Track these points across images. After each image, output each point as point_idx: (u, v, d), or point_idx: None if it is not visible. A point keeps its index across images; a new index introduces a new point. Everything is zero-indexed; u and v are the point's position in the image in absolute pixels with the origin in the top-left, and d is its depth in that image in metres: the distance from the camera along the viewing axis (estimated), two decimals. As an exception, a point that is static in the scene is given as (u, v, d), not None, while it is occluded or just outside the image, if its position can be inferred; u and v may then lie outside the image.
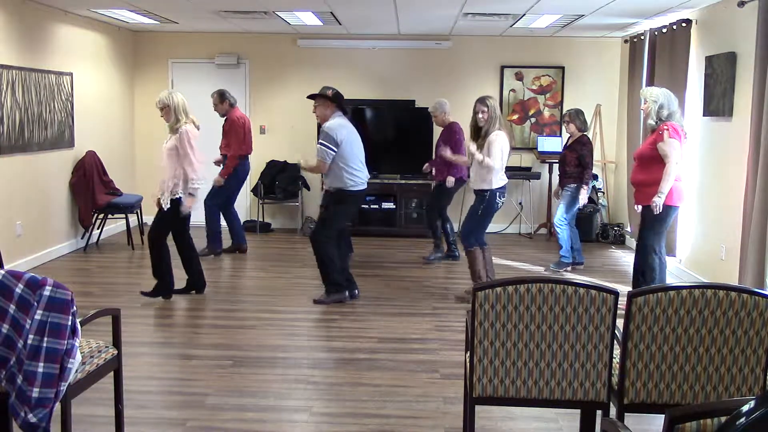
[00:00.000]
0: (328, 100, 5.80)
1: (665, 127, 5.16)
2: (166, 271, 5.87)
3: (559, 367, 2.87)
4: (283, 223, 9.73)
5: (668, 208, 5.24)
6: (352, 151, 5.79)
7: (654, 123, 5.25)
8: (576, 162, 7.06)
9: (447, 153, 6.65)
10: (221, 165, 7.68)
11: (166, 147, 5.67)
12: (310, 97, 5.96)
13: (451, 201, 7.71)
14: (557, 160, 9.19)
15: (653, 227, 5.32)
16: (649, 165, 5.24)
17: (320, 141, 5.74)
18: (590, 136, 8.91)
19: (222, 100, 7.62)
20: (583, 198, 7.06)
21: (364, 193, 6.01)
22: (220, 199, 7.65)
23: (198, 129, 5.73)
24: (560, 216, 7.21)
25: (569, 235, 7.20)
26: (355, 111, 9.15)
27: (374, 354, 4.79)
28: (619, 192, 8.89)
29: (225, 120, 7.65)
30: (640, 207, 5.44)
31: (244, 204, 9.63)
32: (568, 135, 7.37)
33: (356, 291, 6.10)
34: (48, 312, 2.88)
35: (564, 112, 7.49)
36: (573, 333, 2.83)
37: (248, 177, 9.47)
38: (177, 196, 5.62)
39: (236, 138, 7.57)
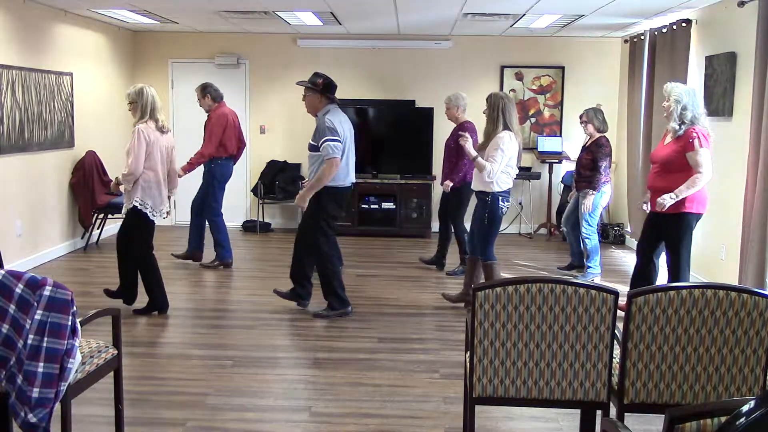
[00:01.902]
0: (318, 92, 5.40)
1: (694, 134, 4.80)
2: (156, 286, 5.58)
3: (559, 367, 2.87)
4: (283, 223, 9.73)
5: (695, 216, 4.98)
6: (345, 153, 5.40)
7: (677, 127, 4.87)
8: (592, 165, 6.65)
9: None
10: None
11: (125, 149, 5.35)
12: (301, 83, 5.54)
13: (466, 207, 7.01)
14: (558, 161, 9.23)
15: (686, 238, 4.99)
16: (672, 172, 4.91)
17: (326, 138, 5.23)
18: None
19: (203, 94, 6.99)
20: (587, 205, 6.63)
21: (347, 192, 5.59)
22: (214, 206, 7.07)
23: (164, 132, 5.34)
24: (586, 225, 6.72)
25: (597, 245, 6.79)
26: (355, 111, 9.17)
27: (374, 354, 4.79)
28: (619, 192, 8.88)
29: (208, 117, 7.04)
30: (646, 208, 5.21)
31: (244, 204, 9.64)
32: (587, 136, 6.92)
33: (307, 303, 5.78)
34: (48, 312, 2.88)
35: (582, 111, 7.02)
36: (573, 333, 2.83)
37: (247, 176, 9.57)
38: (134, 204, 5.29)
39: (212, 137, 6.90)
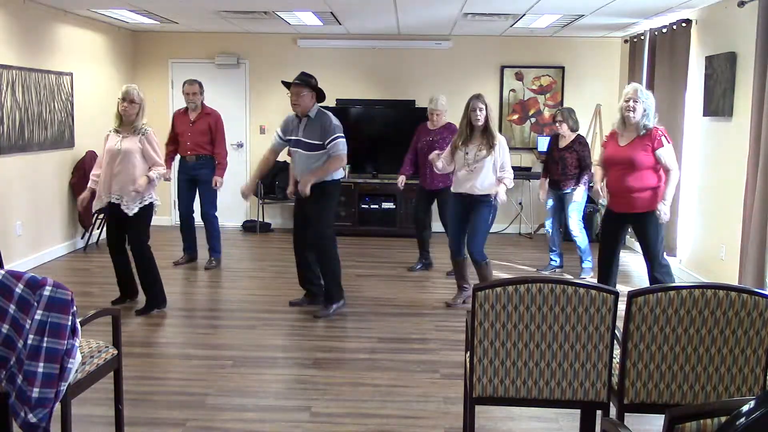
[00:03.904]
0: (314, 91, 5.46)
1: (660, 132, 5.00)
2: (155, 282, 5.63)
3: (559, 367, 2.87)
4: (283, 223, 9.73)
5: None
6: None
7: (650, 125, 5.00)
8: (577, 163, 6.79)
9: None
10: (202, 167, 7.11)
11: (124, 148, 5.33)
12: (295, 83, 5.45)
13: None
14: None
15: (659, 234, 5.16)
16: (642, 171, 5.02)
17: (337, 135, 5.38)
18: (590, 136, 8.93)
19: (201, 90, 7.08)
20: (579, 194, 6.81)
21: (341, 184, 5.82)
22: (215, 204, 7.24)
23: None
24: (577, 221, 6.91)
25: (586, 240, 7.00)
26: (355, 111, 9.18)
27: (374, 354, 4.79)
28: (619, 192, 8.88)
29: (207, 115, 7.03)
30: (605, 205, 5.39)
31: (244, 204, 9.64)
32: (556, 134, 7.01)
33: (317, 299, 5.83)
34: (48, 312, 2.88)
35: (557, 109, 7.18)
36: (573, 333, 2.83)
37: (247, 176, 9.57)
38: (148, 201, 5.44)
39: (222, 137, 7.09)
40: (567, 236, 7.22)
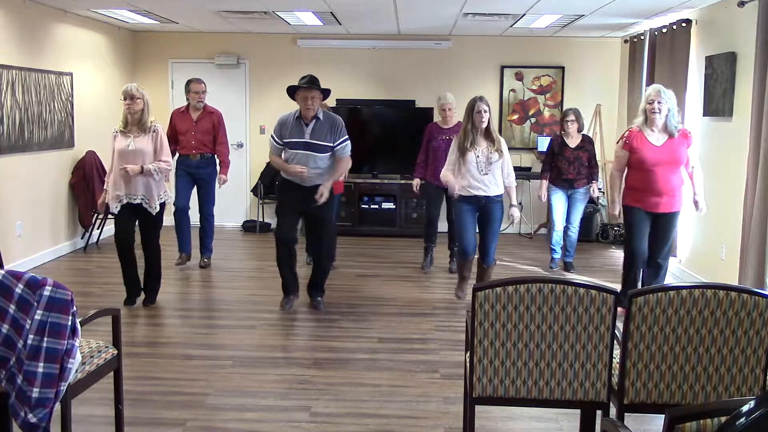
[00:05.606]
0: (322, 93, 5.49)
1: (687, 131, 5.31)
2: (160, 276, 5.88)
3: (559, 367, 2.87)
4: (283, 223, 9.72)
5: None
6: None
7: (680, 126, 5.27)
8: (589, 162, 7.01)
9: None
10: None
11: (138, 148, 5.40)
12: (309, 87, 5.41)
13: None
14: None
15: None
16: (679, 169, 5.27)
17: (347, 137, 5.49)
18: (590, 135, 8.94)
19: (206, 89, 7.15)
20: (595, 192, 7.20)
21: None
22: (214, 204, 7.27)
23: None
24: (579, 218, 7.18)
25: None
26: (355, 111, 9.18)
27: (374, 354, 4.79)
28: (619, 192, 8.87)
29: (210, 114, 7.03)
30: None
31: (244, 204, 9.64)
32: (558, 134, 7.15)
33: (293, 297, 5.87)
34: (48, 312, 2.88)
35: (567, 109, 7.22)
36: (573, 333, 2.83)
37: (248, 177, 9.59)
38: (164, 199, 5.60)
39: (226, 136, 7.12)
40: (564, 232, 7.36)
